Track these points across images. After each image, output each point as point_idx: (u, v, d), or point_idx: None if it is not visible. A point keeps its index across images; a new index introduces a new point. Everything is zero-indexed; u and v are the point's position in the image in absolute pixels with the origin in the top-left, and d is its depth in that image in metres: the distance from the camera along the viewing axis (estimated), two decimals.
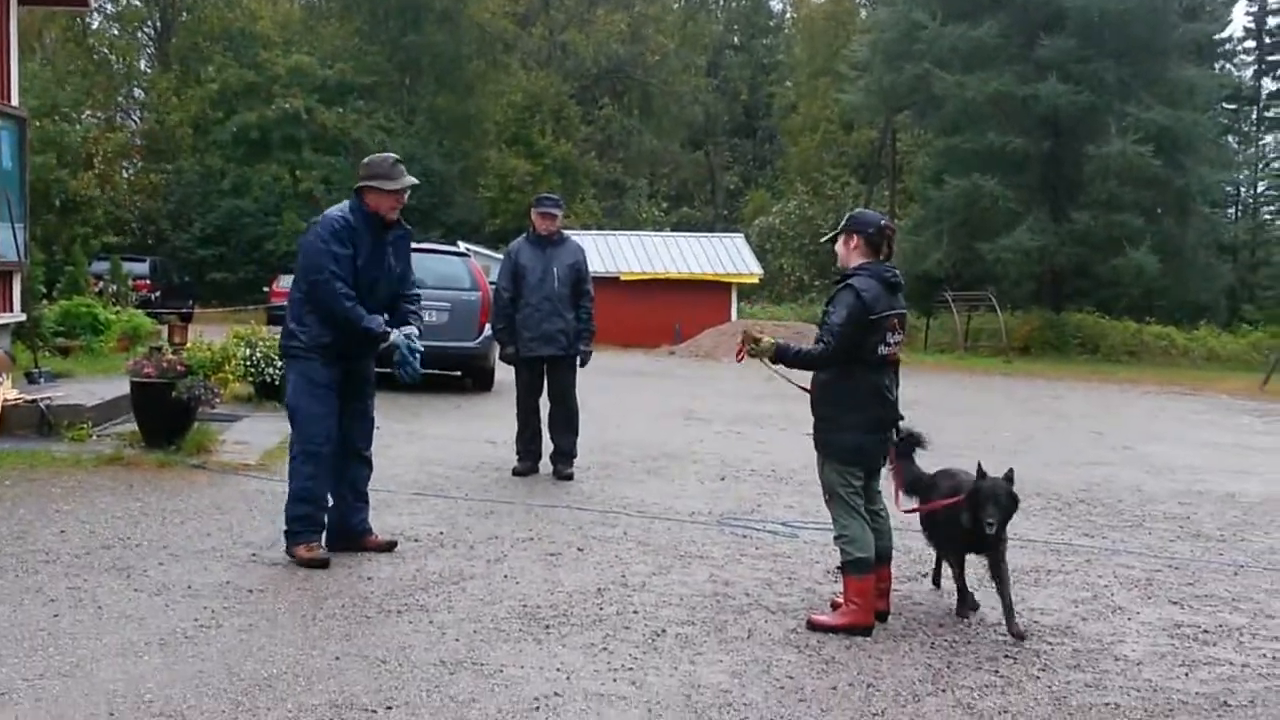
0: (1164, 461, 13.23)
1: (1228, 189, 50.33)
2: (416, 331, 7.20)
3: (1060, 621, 6.52)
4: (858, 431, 6.20)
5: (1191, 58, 39.63)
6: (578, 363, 10.44)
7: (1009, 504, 6.32)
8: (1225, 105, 49.47)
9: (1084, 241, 36.60)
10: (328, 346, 6.97)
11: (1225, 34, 50.95)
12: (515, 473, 10.26)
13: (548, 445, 10.46)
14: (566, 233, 10.75)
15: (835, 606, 6.29)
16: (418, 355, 7.13)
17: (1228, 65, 52.68)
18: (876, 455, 6.32)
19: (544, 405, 10.47)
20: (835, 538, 6.29)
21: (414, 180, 7.01)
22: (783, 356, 6.28)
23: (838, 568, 6.36)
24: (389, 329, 7.02)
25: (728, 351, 29.77)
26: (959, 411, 18.00)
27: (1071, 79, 35.80)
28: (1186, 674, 5.71)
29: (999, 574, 6.29)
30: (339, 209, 7.02)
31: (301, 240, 7.13)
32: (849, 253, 6.26)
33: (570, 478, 10.16)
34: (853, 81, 44.62)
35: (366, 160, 7.14)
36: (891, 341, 6.19)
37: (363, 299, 6.94)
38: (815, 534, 8.21)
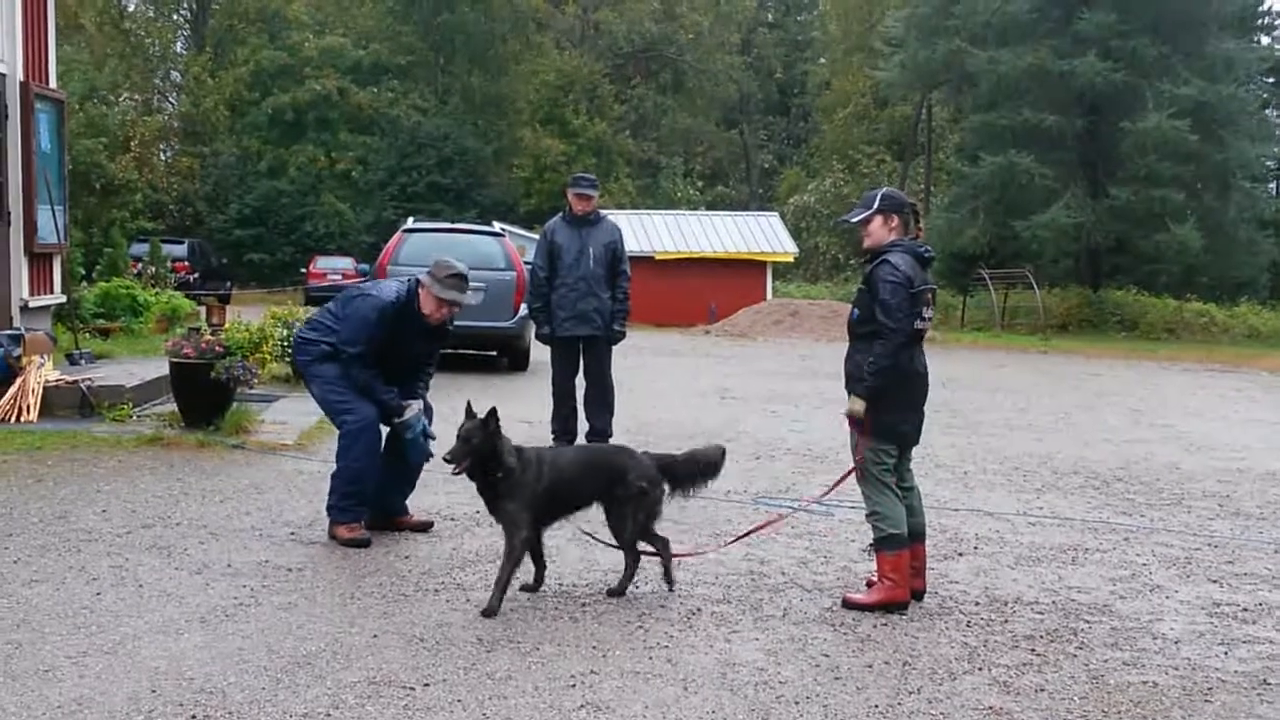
0: (1203, 439, 13.13)
1: (1268, 164, 49.61)
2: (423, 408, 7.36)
3: (1098, 600, 6.49)
4: (894, 410, 6.19)
5: (1230, 31, 39.10)
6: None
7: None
8: (1265, 79, 48.76)
9: (1123, 218, 36.24)
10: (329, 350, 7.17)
11: (1265, 6, 50.15)
12: None
13: (583, 424, 10.48)
14: (603, 212, 10.76)
15: (870, 585, 6.29)
16: (429, 439, 7.32)
17: (1267, 39, 51.87)
18: (907, 433, 6.30)
19: (579, 384, 10.49)
20: (867, 515, 6.29)
21: (464, 299, 7.04)
22: (873, 390, 6.12)
23: (870, 545, 6.36)
24: (405, 404, 7.15)
25: (763, 330, 29.78)
26: (996, 389, 17.91)
27: (1110, 54, 35.43)
28: (1226, 653, 5.68)
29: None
30: (396, 289, 7.12)
31: (355, 300, 7.19)
32: (887, 232, 6.25)
33: None
34: (887, 58, 44.33)
35: (438, 258, 7.24)
36: (926, 316, 6.21)
37: (383, 362, 7.11)
38: (850, 513, 8.18)
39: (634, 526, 6.11)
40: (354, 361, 7.02)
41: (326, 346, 7.13)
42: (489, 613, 5.68)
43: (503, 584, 5.80)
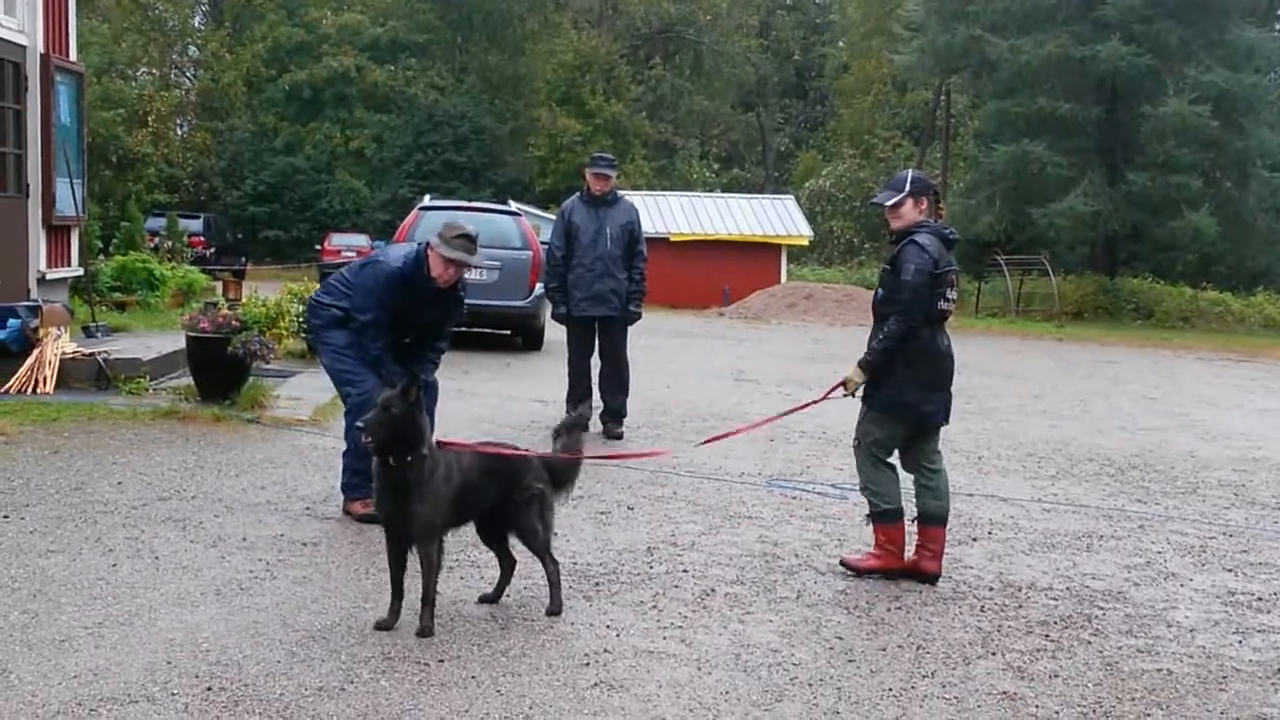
0: (1219, 428, 13.09)
1: None
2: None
3: (1112, 587, 6.48)
4: (906, 387, 6.23)
5: (1252, 19, 38.84)
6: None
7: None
8: None
9: (1140, 205, 36.06)
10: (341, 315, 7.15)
11: None
12: None
13: (598, 404, 10.47)
14: (621, 193, 10.74)
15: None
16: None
17: None
18: (929, 413, 6.31)
19: (595, 365, 10.49)
20: (861, 488, 6.39)
21: (466, 259, 6.82)
22: (874, 367, 6.22)
23: (867, 516, 6.40)
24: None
25: (777, 313, 29.73)
26: (1011, 375, 17.87)
27: (1133, 40, 35.23)
28: (1240, 641, 5.67)
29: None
30: (403, 255, 7.04)
31: (366, 268, 7.15)
32: (917, 214, 6.28)
33: (620, 437, 10.19)
34: (906, 42, 44.09)
35: (448, 220, 7.26)
36: (950, 297, 6.25)
37: (394, 329, 7.05)
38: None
39: (543, 530, 5.54)
40: (366, 330, 6.94)
41: (338, 311, 7.08)
42: (423, 633, 5.06)
43: (431, 599, 5.14)
